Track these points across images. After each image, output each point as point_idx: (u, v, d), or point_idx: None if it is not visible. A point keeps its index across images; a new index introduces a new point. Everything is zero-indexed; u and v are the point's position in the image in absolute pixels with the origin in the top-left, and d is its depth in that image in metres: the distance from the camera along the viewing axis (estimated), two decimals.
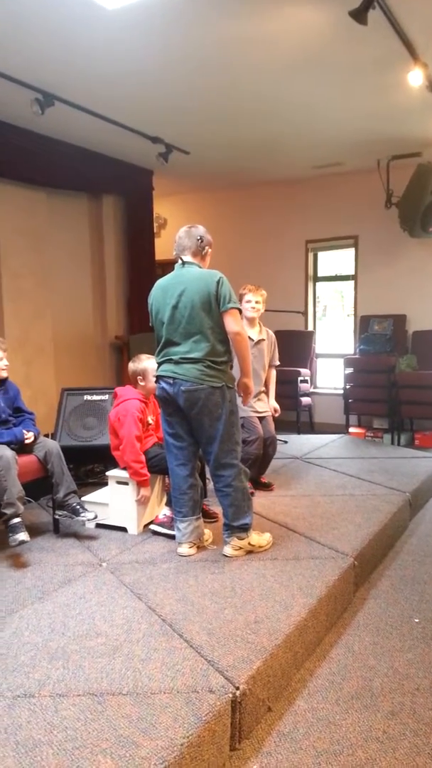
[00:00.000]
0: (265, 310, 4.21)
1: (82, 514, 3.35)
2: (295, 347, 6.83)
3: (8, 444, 3.24)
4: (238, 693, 1.96)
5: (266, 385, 4.25)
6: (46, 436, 3.69)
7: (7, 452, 3.15)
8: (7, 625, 2.41)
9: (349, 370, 6.51)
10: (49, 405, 5.40)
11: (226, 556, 3.05)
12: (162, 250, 7.07)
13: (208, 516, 3.53)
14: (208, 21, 3.41)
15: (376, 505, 3.82)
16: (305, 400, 6.88)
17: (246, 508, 3.05)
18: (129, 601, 2.60)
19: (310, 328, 7.43)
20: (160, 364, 3.07)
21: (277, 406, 4.29)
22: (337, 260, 7.48)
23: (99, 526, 3.52)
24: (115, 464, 3.55)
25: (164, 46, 3.69)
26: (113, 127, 5.10)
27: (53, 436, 4.19)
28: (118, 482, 3.49)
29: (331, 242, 7.21)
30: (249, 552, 3.08)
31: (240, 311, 3.03)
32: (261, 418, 4.11)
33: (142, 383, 3.50)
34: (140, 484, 3.41)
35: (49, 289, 5.84)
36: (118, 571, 2.93)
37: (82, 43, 3.63)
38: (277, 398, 4.38)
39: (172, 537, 3.24)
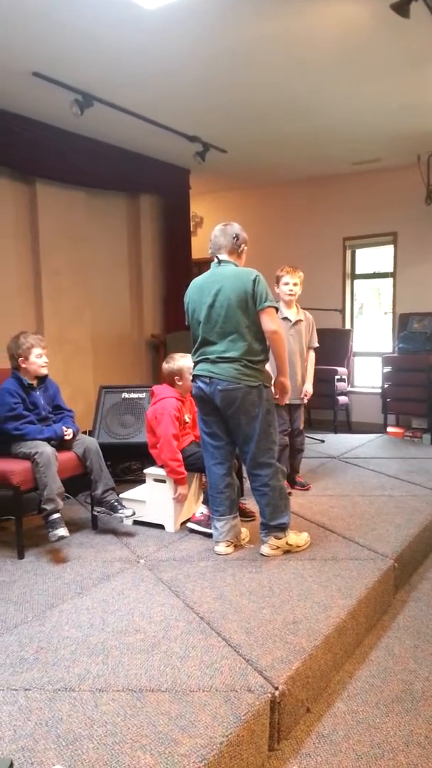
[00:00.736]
0: (303, 308, 4.18)
1: (120, 511, 3.38)
2: (332, 345, 6.76)
3: (48, 440, 3.29)
4: (277, 693, 1.95)
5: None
6: (85, 433, 3.74)
7: (47, 449, 3.20)
8: (48, 620, 2.45)
9: (388, 369, 6.41)
10: (87, 402, 5.46)
11: (264, 555, 3.04)
12: (198, 248, 7.08)
13: (245, 515, 3.52)
14: (247, 18, 3.39)
15: (416, 506, 3.75)
16: (342, 399, 6.80)
17: (283, 507, 3.03)
18: (167, 598, 2.61)
19: (348, 326, 7.34)
20: (196, 363, 3.07)
21: (310, 390, 4.16)
22: (375, 257, 7.37)
23: (136, 523, 3.54)
24: (152, 462, 3.57)
25: (202, 44, 3.69)
26: (151, 127, 5.13)
27: (91, 434, 4.24)
28: (156, 480, 3.50)
29: (369, 239, 7.11)
30: (286, 552, 3.06)
31: (277, 309, 3.00)
32: (294, 406, 4.05)
33: (179, 383, 3.51)
34: (177, 482, 3.42)
35: (88, 288, 5.91)
36: (156, 568, 2.94)
37: (121, 44, 3.65)
38: (315, 397, 4.33)
39: (209, 535, 3.24)
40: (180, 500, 3.46)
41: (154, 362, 6.77)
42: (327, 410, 6.65)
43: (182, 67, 4.02)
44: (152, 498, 3.52)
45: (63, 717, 1.82)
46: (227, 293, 2.90)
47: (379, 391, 6.60)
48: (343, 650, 2.41)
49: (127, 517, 3.40)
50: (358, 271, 7.43)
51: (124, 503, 3.45)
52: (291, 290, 3.99)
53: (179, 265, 6.82)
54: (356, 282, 7.47)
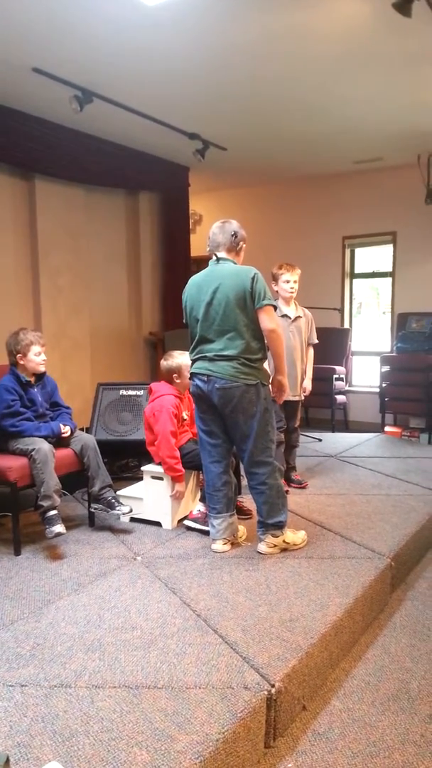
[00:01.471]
0: (302, 307, 4.18)
1: (117, 508, 3.38)
2: (330, 345, 6.76)
3: (46, 437, 3.28)
4: (273, 691, 1.95)
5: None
6: (82, 430, 3.73)
7: (45, 445, 3.19)
8: (44, 616, 2.44)
9: (386, 368, 6.41)
10: (85, 399, 5.46)
11: (261, 553, 3.04)
12: (197, 246, 7.07)
13: (243, 513, 3.52)
14: (247, 15, 3.38)
15: (413, 505, 3.75)
16: (340, 398, 6.80)
17: (280, 505, 3.03)
18: (163, 595, 2.61)
19: (346, 325, 7.34)
20: (194, 361, 3.06)
21: (309, 387, 4.17)
22: (374, 257, 7.37)
23: (133, 520, 3.54)
24: (149, 459, 3.57)
25: (203, 41, 3.68)
26: (150, 124, 5.12)
27: (89, 431, 4.24)
28: (153, 477, 3.50)
29: (368, 238, 7.10)
30: (283, 550, 3.06)
31: (275, 308, 2.99)
32: (291, 402, 4.05)
33: (177, 380, 3.51)
34: (175, 480, 3.42)
35: (86, 285, 5.90)
36: (153, 565, 2.94)
37: (121, 40, 3.64)
38: (313, 396, 4.33)
39: (206, 533, 3.24)
40: (177, 497, 3.46)
41: (152, 359, 6.77)
42: (325, 409, 6.65)
43: (182, 64, 4.01)
44: (149, 495, 3.52)
45: (59, 713, 1.82)
46: (225, 291, 2.89)
47: (377, 390, 6.61)
48: (340, 648, 2.42)
49: (124, 514, 3.40)
50: (357, 271, 7.43)
51: (121, 500, 3.45)
52: (291, 287, 3.99)
53: (178, 262, 6.82)
54: (355, 281, 7.47)
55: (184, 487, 3.48)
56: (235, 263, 3.03)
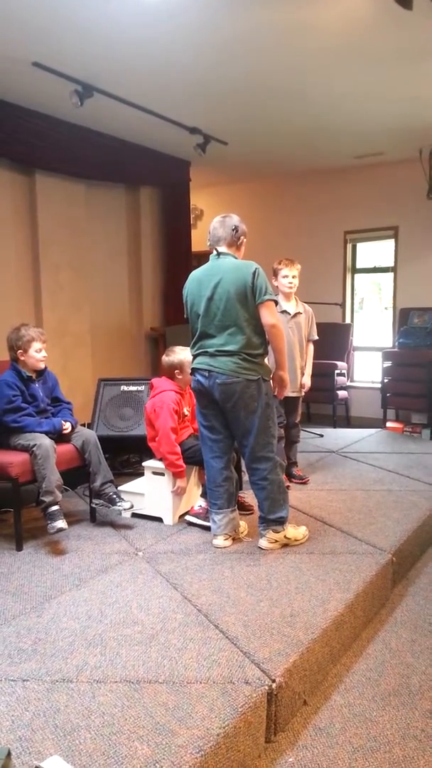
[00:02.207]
0: (303, 302, 4.17)
1: (119, 504, 3.39)
2: (332, 340, 6.75)
3: (47, 433, 3.28)
4: (274, 686, 1.95)
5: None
6: (83, 425, 3.73)
7: (46, 441, 3.19)
8: (46, 611, 2.45)
9: (388, 364, 6.40)
10: (86, 395, 5.46)
11: (262, 548, 3.04)
12: (198, 241, 7.05)
13: (244, 508, 3.53)
14: (248, 9, 3.36)
15: (415, 501, 3.75)
16: (342, 393, 6.79)
17: (282, 501, 3.03)
18: (165, 590, 2.61)
19: (348, 320, 7.33)
20: (195, 356, 3.06)
21: (308, 383, 4.16)
22: (376, 252, 7.35)
23: (135, 515, 3.55)
24: (151, 455, 3.57)
25: (203, 35, 3.66)
26: (151, 119, 5.10)
27: (90, 426, 4.24)
28: (154, 473, 3.50)
29: (370, 233, 7.08)
30: (285, 545, 3.06)
31: (276, 303, 2.99)
32: (291, 398, 4.05)
33: (179, 376, 3.50)
34: (176, 476, 3.42)
35: (87, 281, 5.89)
36: (154, 560, 2.94)
37: (122, 34, 3.62)
38: (313, 391, 4.33)
39: (208, 528, 3.25)
40: (178, 493, 3.46)
41: (154, 355, 6.76)
42: (326, 405, 6.64)
43: (183, 58, 3.99)
44: (151, 491, 3.52)
45: (60, 707, 1.82)
46: (226, 286, 2.88)
47: (379, 385, 6.60)
48: (341, 643, 2.42)
49: (125, 509, 3.41)
50: (358, 266, 7.42)
51: (122, 496, 3.45)
52: (291, 282, 3.97)
53: (179, 257, 6.80)
54: (357, 276, 7.45)
55: (186, 483, 3.48)
56: (235, 258, 3.02)
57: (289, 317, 3.99)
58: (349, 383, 7.12)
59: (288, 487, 3.77)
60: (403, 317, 6.67)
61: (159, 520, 3.49)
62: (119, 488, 3.54)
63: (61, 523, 3.08)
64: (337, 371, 6.62)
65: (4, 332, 3.48)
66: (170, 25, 3.53)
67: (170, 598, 2.54)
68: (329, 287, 7.22)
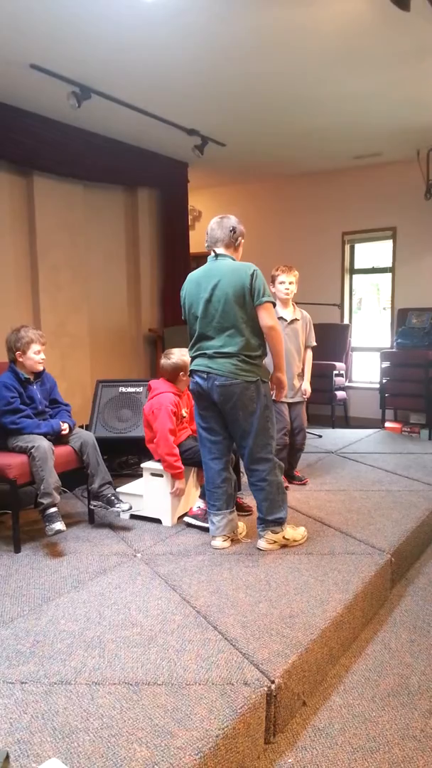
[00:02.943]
0: (301, 303, 4.16)
1: (117, 505, 3.38)
2: (330, 340, 6.76)
3: (45, 435, 3.28)
4: (273, 687, 1.95)
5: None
6: (81, 427, 3.73)
7: (44, 443, 3.19)
8: (44, 613, 2.44)
9: (386, 364, 6.40)
10: (84, 397, 5.46)
11: (261, 549, 3.04)
12: (196, 242, 7.06)
13: (242, 509, 3.52)
14: (245, 11, 3.37)
15: (414, 501, 3.75)
16: (340, 394, 6.80)
17: (280, 502, 3.03)
18: (163, 592, 2.61)
19: (346, 321, 7.34)
20: (193, 358, 3.05)
21: (308, 389, 4.16)
22: (374, 252, 7.36)
23: (133, 517, 3.54)
24: (149, 456, 3.57)
25: (201, 36, 3.66)
26: (149, 120, 5.10)
27: (88, 428, 4.24)
28: (153, 474, 3.50)
29: (368, 234, 7.09)
30: (283, 546, 3.06)
31: (274, 304, 2.98)
32: (293, 404, 4.05)
33: (184, 378, 3.47)
34: (174, 477, 3.42)
35: (85, 282, 5.90)
36: (153, 562, 2.94)
37: (119, 36, 3.63)
38: (312, 392, 4.32)
39: (206, 529, 3.24)
40: (177, 494, 3.46)
41: (152, 356, 6.76)
42: (325, 405, 6.65)
43: (180, 60, 4.00)
44: (149, 492, 3.52)
45: (59, 710, 1.82)
46: (225, 288, 2.88)
47: (378, 386, 6.60)
48: (340, 644, 2.42)
49: (124, 511, 3.40)
50: (356, 266, 7.43)
51: (121, 497, 3.45)
52: (287, 289, 3.97)
53: (177, 259, 6.81)
54: (355, 277, 7.46)
55: (184, 484, 3.48)
56: (233, 259, 3.01)
57: (286, 324, 3.97)
58: (347, 384, 7.13)
59: (287, 488, 3.78)
60: (401, 318, 6.68)
61: (158, 521, 3.49)
62: (118, 490, 3.53)
63: (59, 525, 3.07)
64: (335, 372, 6.62)
65: (3, 334, 3.48)
66: (168, 28, 3.53)
67: (169, 600, 2.53)
68: (327, 288, 7.22)
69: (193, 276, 3.06)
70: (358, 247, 7.38)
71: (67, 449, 3.40)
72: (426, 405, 6.12)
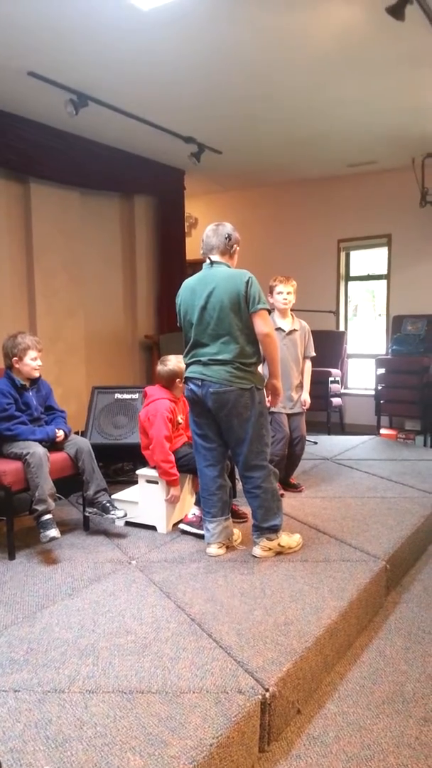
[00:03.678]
0: (297, 310, 4.17)
1: (112, 512, 3.37)
2: (326, 347, 6.76)
3: (40, 441, 3.27)
4: (267, 695, 1.94)
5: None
6: (77, 433, 3.72)
7: (39, 449, 3.18)
8: (38, 621, 2.43)
9: (381, 371, 6.42)
10: (80, 403, 5.45)
11: (256, 556, 3.04)
12: (192, 249, 7.08)
13: (238, 516, 3.52)
14: (241, 20, 3.40)
15: (409, 507, 3.75)
16: (336, 400, 6.81)
17: (275, 509, 3.03)
18: (158, 599, 2.60)
19: (342, 328, 7.36)
20: (188, 365, 3.05)
21: (308, 400, 4.15)
22: (369, 259, 7.39)
23: (128, 524, 3.54)
24: (144, 463, 3.56)
25: (197, 45, 3.69)
26: (146, 128, 5.13)
27: (84, 434, 4.23)
28: (148, 481, 3.50)
29: (363, 241, 7.13)
30: (278, 553, 3.05)
31: (269, 311, 2.99)
32: (293, 415, 4.05)
33: (181, 384, 3.47)
34: (170, 484, 3.41)
35: (81, 288, 5.90)
36: (148, 569, 2.93)
37: (117, 44, 3.65)
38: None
39: (201, 536, 3.24)
40: (172, 501, 3.45)
41: (148, 363, 6.76)
42: (320, 412, 6.66)
43: (177, 68, 4.02)
44: (144, 499, 3.51)
45: (52, 718, 1.81)
46: (220, 295, 2.88)
47: (373, 393, 6.62)
48: (334, 652, 2.41)
49: (119, 518, 3.39)
50: (352, 273, 7.46)
51: (116, 504, 3.44)
52: (285, 299, 3.97)
53: (173, 266, 6.82)
54: (350, 284, 7.49)
55: (179, 491, 3.48)
56: (229, 266, 3.02)
57: (284, 334, 3.97)
58: (343, 390, 7.14)
59: (282, 495, 3.78)
60: (396, 324, 6.70)
61: (153, 528, 3.48)
62: (113, 496, 3.53)
63: (53, 532, 3.06)
64: (331, 378, 6.64)
65: (0, 339, 3.48)
66: (165, 35, 3.56)
67: (164, 607, 2.53)
68: (323, 295, 7.25)
69: (188, 283, 3.06)
70: (353, 254, 7.41)
71: (62, 456, 3.39)
72: (421, 412, 6.14)
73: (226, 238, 3.00)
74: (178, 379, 3.47)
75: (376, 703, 2.18)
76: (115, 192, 6.34)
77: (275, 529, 3.03)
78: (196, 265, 3.08)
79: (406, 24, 3.16)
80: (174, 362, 3.49)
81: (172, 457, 3.40)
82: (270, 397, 3.10)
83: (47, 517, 3.10)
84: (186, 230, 7.36)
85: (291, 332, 4.02)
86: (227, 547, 3.13)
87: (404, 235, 6.76)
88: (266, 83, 4.30)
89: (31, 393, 3.45)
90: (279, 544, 3.05)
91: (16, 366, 3.38)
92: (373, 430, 6.56)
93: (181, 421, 3.56)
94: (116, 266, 6.50)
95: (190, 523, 3.39)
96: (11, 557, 3.11)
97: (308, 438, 5.86)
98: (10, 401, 3.30)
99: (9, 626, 2.40)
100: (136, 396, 4.40)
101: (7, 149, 4.83)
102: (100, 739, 1.71)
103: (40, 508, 3.10)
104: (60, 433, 3.40)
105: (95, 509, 3.42)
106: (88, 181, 5.71)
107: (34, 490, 3.12)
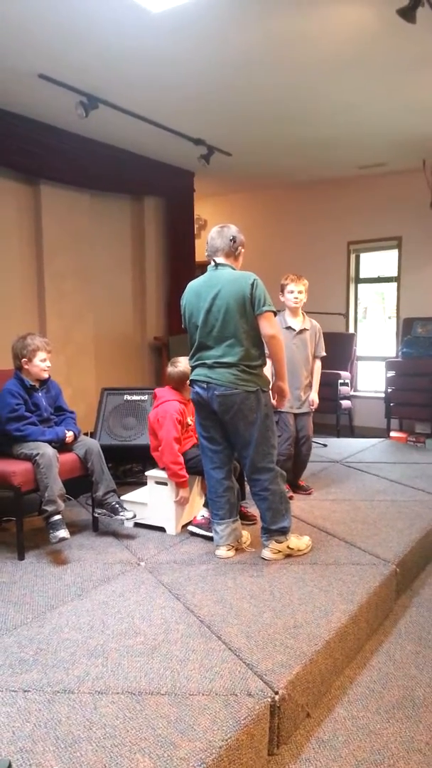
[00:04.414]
0: (306, 312, 4.16)
1: (121, 513, 3.38)
2: (335, 349, 6.72)
3: (50, 442, 3.28)
4: (277, 698, 1.94)
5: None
6: (86, 434, 3.73)
7: (49, 450, 3.19)
8: (47, 621, 2.44)
9: (391, 374, 6.39)
10: (89, 404, 5.46)
11: (265, 559, 3.03)
12: (202, 251, 7.01)
13: (246, 518, 3.51)
14: (251, 22, 3.40)
15: (419, 511, 3.73)
16: (345, 403, 6.79)
17: (284, 511, 3.02)
18: (167, 601, 2.60)
19: (351, 330, 7.34)
20: (193, 368, 3.05)
21: (316, 400, 4.12)
22: (379, 262, 7.37)
23: (137, 525, 3.54)
24: (154, 464, 3.57)
25: (207, 47, 3.69)
26: (156, 130, 5.14)
27: (93, 435, 4.24)
28: (157, 482, 3.50)
29: (373, 243, 7.10)
30: (288, 555, 3.04)
31: (275, 313, 2.97)
32: (300, 414, 4.04)
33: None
34: (179, 485, 3.41)
35: (91, 290, 5.92)
36: (157, 570, 2.93)
37: (127, 46, 3.66)
38: (318, 401, 4.31)
39: (210, 538, 3.24)
40: (181, 503, 3.45)
41: (157, 364, 6.77)
42: (330, 414, 6.63)
43: (187, 70, 4.03)
44: (153, 500, 3.51)
45: (62, 719, 1.81)
46: (225, 297, 2.87)
47: (383, 395, 6.59)
48: (344, 655, 2.40)
49: (128, 519, 3.39)
50: (362, 275, 7.43)
51: (125, 505, 3.44)
52: (296, 298, 3.96)
53: (183, 267, 6.83)
54: (360, 286, 7.47)
55: (188, 493, 3.48)
56: (233, 269, 3.01)
57: (294, 333, 3.96)
58: (352, 393, 7.11)
59: (291, 497, 3.76)
60: (406, 327, 6.67)
61: (161, 530, 3.48)
62: (122, 498, 3.53)
63: (63, 533, 3.07)
64: (340, 381, 6.62)
65: (9, 340, 3.49)
66: (175, 38, 3.56)
67: (173, 609, 2.52)
68: (333, 297, 7.23)
69: (193, 285, 3.05)
70: (363, 256, 7.39)
71: (71, 456, 3.40)
72: (431, 414, 6.11)
73: (230, 240, 2.99)
74: (188, 381, 3.47)
75: (385, 707, 2.17)
76: (125, 194, 6.35)
77: (284, 531, 3.02)
78: (206, 267, 3.08)
79: (417, 26, 3.15)
80: (184, 364, 3.49)
81: (181, 459, 3.40)
82: (276, 399, 3.09)
83: (57, 517, 3.10)
84: (195, 232, 7.37)
85: (301, 331, 4.01)
86: (236, 549, 3.13)
87: (414, 238, 6.73)
88: (276, 86, 4.30)
89: (40, 394, 3.46)
90: (288, 547, 3.04)
91: (26, 367, 3.40)
92: (383, 433, 6.53)
93: (190, 422, 3.56)
94: (126, 268, 6.51)
95: (199, 525, 3.39)
96: (21, 558, 3.12)
97: (318, 440, 5.86)
98: (19, 402, 3.31)
99: (18, 626, 2.40)
100: (145, 397, 4.40)
101: (17, 151, 4.85)
102: (110, 740, 1.71)
103: (49, 508, 3.11)
104: (69, 434, 3.41)
105: (104, 510, 3.43)
106: (97, 183, 5.73)
107: (43, 490, 3.13)
